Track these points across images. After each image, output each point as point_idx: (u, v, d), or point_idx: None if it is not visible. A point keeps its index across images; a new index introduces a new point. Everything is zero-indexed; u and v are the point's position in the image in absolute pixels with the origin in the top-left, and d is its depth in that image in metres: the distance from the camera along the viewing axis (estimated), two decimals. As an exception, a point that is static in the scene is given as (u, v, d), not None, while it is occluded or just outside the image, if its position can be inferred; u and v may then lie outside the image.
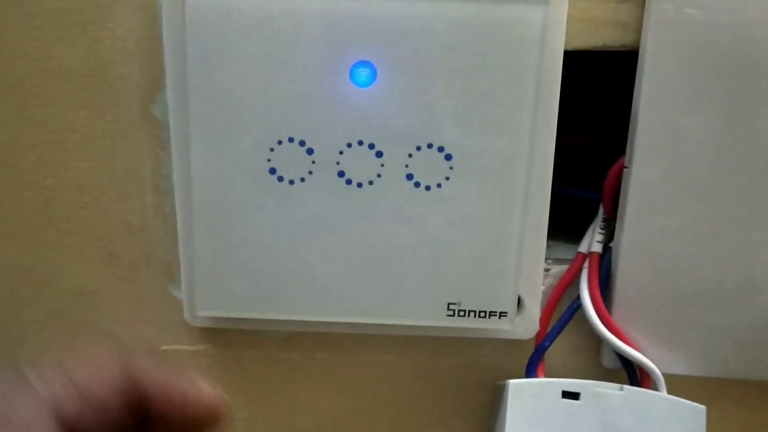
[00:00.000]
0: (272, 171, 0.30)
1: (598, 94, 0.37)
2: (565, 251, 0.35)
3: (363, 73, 0.29)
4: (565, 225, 0.34)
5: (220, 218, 0.31)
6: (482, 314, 0.32)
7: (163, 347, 0.36)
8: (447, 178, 0.30)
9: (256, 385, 0.36)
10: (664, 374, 0.33)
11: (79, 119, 0.32)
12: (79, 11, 0.31)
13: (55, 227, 0.34)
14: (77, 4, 0.31)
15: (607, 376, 0.35)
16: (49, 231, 0.34)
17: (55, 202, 0.34)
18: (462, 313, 0.32)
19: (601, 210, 0.34)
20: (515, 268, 0.31)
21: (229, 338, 0.35)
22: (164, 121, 0.32)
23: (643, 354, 0.33)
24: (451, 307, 0.32)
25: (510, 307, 0.32)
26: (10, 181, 0.33)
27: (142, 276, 0.35)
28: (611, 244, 0.34)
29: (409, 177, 0.30)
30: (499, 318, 0.32)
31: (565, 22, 0.29)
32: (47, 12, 0.31)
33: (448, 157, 0.30)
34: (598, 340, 0.35)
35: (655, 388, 0.33)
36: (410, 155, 0.30)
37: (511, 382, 0.32)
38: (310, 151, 0.30)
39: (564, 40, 0.29)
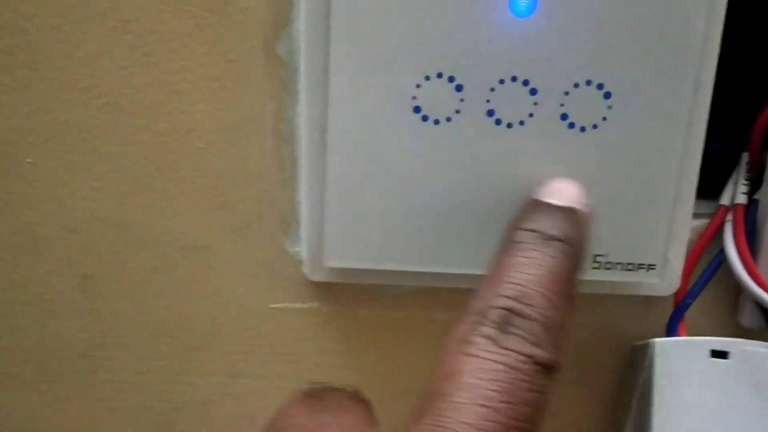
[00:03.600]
0: (417, 110, 0.28)
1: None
2: (698, 206, 0.33)
3: (523, 1, 0.27)
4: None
5: (357, 162, 0.29)
6: (630, 267, 0.30)
7: (273, 305, 0.34)
8: (604, 119, 0.28)
9: (369, 345, 0.34)
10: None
11: (196, 58, 0.30)
12: (203, -62, 0.29)
13: (163, 175, 0.32)
14: (200, -70, 0.29)
15: (745, 336, 0.33)
16: (157, 179, 0.32)
17: (166, 148, 0.31)
18: (608, 266, 0.30)
19: (744, 160, 0.32)
20: (668, 218, 0.29)
21: (344, 296, 0.33)
22: (288, 60, 0.30)
23: (790, 312, 0.32)
24: (598, 259, 0.30)
25: (659, 259, 0.30)
26: (118, 124, 0.31)
27: (255, 228, 0.32)
28: (756, 196, 0.32)
29: (564, 117, 0.28)
30: (647, 271, 0.30)
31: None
32: (166, -61, 0.29)
33: (607, 96, 0.28)
34: (735, 298, 0.33)
35: (801, 347, 0.31)
36: (566, 93, 0.28)
37: (657, 341, 0.31)
38: (459, 88, 0.28)
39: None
